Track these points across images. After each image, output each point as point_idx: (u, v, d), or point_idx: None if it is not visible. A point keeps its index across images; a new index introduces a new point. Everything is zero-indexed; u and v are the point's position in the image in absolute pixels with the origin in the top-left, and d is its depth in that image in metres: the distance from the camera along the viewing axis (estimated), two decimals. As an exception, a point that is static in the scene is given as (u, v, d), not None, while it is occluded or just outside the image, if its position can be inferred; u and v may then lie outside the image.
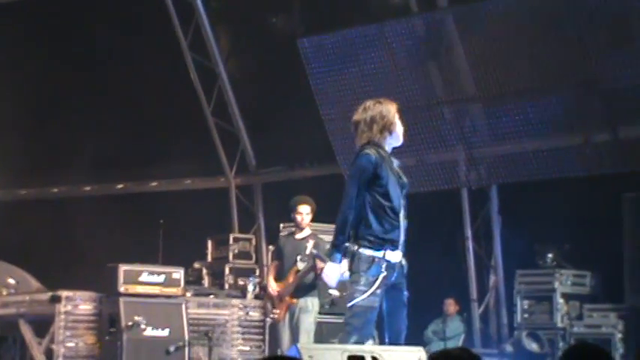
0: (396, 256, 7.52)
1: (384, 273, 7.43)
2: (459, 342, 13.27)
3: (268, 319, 12.24)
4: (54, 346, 11.17)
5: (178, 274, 11.76)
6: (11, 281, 12.03)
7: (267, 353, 12.27)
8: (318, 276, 10.64)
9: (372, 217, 7.45)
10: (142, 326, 11.01)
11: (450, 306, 13.62)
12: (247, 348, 12.44)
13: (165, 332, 11.29)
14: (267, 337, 12.36)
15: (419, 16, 13.23)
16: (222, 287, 13.29)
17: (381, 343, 8.25)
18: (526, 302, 12.51)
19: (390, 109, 7.58)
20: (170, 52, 15.35)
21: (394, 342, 7.66)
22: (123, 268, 11.29)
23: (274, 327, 11.65)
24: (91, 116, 15.07)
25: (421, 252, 13.37)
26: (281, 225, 12.63)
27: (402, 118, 7.67)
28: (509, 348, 12.43)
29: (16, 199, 15.99)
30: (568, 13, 12.00)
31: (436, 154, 13.46)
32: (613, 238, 12.09)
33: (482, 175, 13.42)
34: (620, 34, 11.92)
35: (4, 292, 11.95)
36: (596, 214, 12.18)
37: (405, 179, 7.62)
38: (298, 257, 10.69)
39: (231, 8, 14.84)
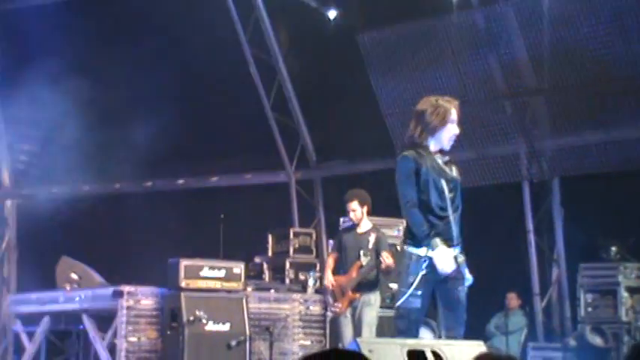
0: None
1: (424, 271, 7.36)
2: (521, 336, 13.18)
3: (329, 313, 12.24)
4: (117, 341, 11.25)
5: (239, 268, 11.79)
6: (74, 276, 12.14)
7: (328, 347, 12.26)
8: (381, 271, 10.65)
9: None
10: (204, 321, 11.05)
11: (512, 300, 13.53)
12: (308, 342, 12.45)
13: (227, 327, 11.32)
14: (328, 331, 12.35)
15: (479, 9, 13.14)
16: (282, 282, 13.30)
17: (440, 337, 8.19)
18: (590, 296, 12.39)
19: (441, 112, 7.45)
20: (230, 47, 15.39)
21: (448, 337, 7.60)
22: (184, 262, 11.34)
23: (335, 321, 11.64)
24: (153, 112, 15.13)
25: (483, 246, 13.34)
26: (341, 219, 12.60)
27: (459, 119, 7.53)
28: (572, 342, 12.30)
29: (79, 195, 16.13)
30: (629, 5, 11.85)
31: (497, 148, 13.39)
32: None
33: (543, 168, 13.32)
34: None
35: (68, 287, 12.07)
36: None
37: (454, 174, 7.51)
38: (361, 252, 10.66)
39: (290, 2, 14.83)
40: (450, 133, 7.46)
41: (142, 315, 11.38)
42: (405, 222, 11.84)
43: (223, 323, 11.28)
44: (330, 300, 10.95)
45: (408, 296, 7.36)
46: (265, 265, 13.68)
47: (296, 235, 13.89)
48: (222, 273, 11.59)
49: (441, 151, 7.51)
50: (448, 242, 7.43)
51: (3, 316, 15.22)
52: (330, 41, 14.37)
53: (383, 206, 11.06)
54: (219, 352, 11.11)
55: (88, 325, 11.61)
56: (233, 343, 11.26)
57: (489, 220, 13.31)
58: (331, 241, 12.65)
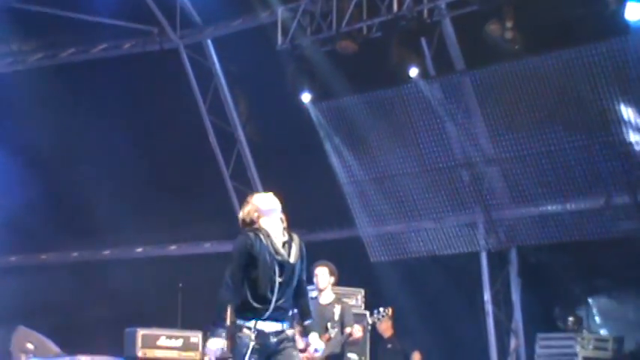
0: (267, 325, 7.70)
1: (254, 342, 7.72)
2: (480, 407, 13.16)
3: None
4: (72, 412, 11.13)
5: (197, 337, 11.73)
6: (30, 346, 12.02)
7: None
8: (349, 343, 10.65)
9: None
10: (161, 391, 10.97)
11: (471, 370, 13.53)
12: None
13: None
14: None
15: (436, 79, 13.27)
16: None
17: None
18: (547, 366, 12.39)
19: (248, 209, 7.95)
20: (190, 116, 15.43)
21: None
22: (141, 332, 11.28)
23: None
24: (113, 178, 15.13)
25: (441, 315, 13.36)
26: (300, 289, 12.57)
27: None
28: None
29: (37, 263, 16.02)
30: (583, 75, 12.01)
31: (455, 217, 13.44)
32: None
33: (501, 238, 13.37)
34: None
35: (23, 358, 11.94)
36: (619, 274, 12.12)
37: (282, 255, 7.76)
38: (328, 324, 10.62)
39: (250, 72, 14.92)
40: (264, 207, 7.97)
41: (98, 385, 11.28)
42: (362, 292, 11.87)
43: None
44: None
45: None
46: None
47: (255, 304, 13.82)
48: (179, 342, 11.53)
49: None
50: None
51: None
52: (289, 110, 14.44)
53: (341, 276, 11.06)
54: None
55: (44, 395, 11.50)
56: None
57: (447, 290, 13.36)
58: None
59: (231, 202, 15.67)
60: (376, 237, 13.99)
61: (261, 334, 7.66)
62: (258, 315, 7.64)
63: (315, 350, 8.06)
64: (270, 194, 8.00)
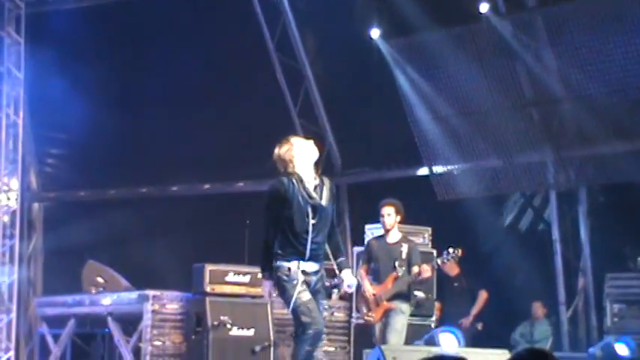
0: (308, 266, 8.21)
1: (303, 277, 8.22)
2: (546, 345, 13.14)
3: (354, 320, 12.23)
4: (142, 345, 11.29)
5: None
6: (100, 280, 12.19)
7: (352, 354, 12.26)
8: (416, 282, 10.68)
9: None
10: (228, 326, 11.07)
11: (538, 309, 13.48)
12: (332, 349, 12.44)
13: (251, 332, 11.34)
14: (352, 337, 12.34)
15: (507, 17, 13.10)
16: (307, 288, 13.28)
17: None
18: (616, 306, 12.31)
19: (287, 149, 8.41)
20: (257, 53, 15.40)
21: None
22: (209, 267, 11.37)
23: (361, 328, 11.64)
24: (180, 116, 15.19)
25: (509, 255, 13.32)
26: (366, 226, 12.59)
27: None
28: (598, 352, 12.23)
29: (106, 199, 16.19)
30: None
31: (524, 156, 13.33)
32: None
33: (570, 178, 13.25)
34: None
35: (94, 291, 12.12)
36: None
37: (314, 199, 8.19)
38: (396, 263, 10.65)
39: (318, 9, 14.83)
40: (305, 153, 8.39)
41: (167, 319, 11.41)
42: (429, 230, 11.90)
43: (248, 329, 11.30)
44: (364, 309, 10.90)
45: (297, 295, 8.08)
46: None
47: (322, 241, 13.87)
48: (247, 278, 11.60)
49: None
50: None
51: (29, 319, 15.30)
52: (358, 47, 14.36)
53: (408, 214, 11.05)
54: (244, 357, 11.12)
55: (113, 328, 11.66)
56: (257, 348, 11.27)
57: (516, 229, 13.29)
58: (356, 249, 12.64)
59: (299, 140, 15.66)
60: (444, 175, 13.92)
61: (304, 274, 8.15)
62: (299, 256, 8.11)
63: (349, 286, 8.57)
64: (311, 142, 8.40)
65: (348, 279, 8.49)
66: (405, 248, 10.69)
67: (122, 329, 11.66)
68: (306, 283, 8.17)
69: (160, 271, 13.86)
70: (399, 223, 10.89)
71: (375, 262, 10.83)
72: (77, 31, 15.07)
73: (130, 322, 11.64)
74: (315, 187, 8.22)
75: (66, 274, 13.95)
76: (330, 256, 8.50)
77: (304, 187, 8.15)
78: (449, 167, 13.90)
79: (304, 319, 8.07)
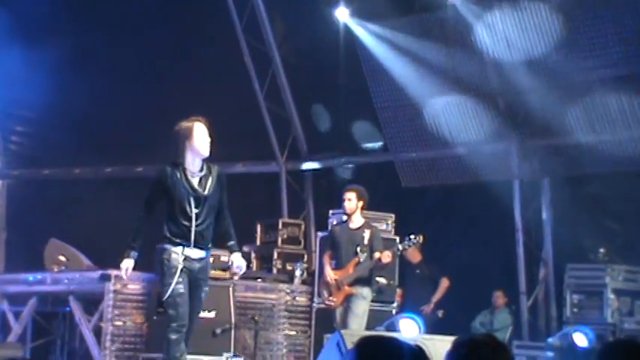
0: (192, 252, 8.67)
1: (182, 265, 8.65)
2: (506, 334, 13.22)
3: (315, 305, 12.26)
4: (103, 324, 11.26)
5: (226, 256, 11.78)
6: (62, 258, 12.14)
7: (313, 338, 12.29)
8: (377, 268, 10.72)
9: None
10: (190, 307, 11.05)
11: (499, 298, 13.57)
12: (293, 332, 12.48)
13: (212, 314, 11.35)
14: (313, 322, 12.38)
15: (474, 4, 13.11)
16: (270, 271, 13.31)
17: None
18: (576, 297, 12.40)
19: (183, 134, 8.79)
20: (225, 35, 15.35)
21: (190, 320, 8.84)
22: (172, 249, 11.32)
23: (322, 313, 11.68)
24: (145, 95, 15.11)
25: (471, 242, 13.38)
26: (330, 211, 12.63)
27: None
28: (557, 342, 12.33)
29: (70, 178, 16.12)
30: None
31: (489, 145, 13.38)
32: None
33: (534, 168, 13.32)
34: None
35: (56, 269, 12.07)
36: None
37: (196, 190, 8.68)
38: (358, 248, 10.70)
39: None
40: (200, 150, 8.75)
41: (129, 299, 11.40)
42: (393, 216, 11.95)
43: (209, 311, 11.29)
44: (325, 294, 10.95)
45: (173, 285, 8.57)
46: (253, 255, 13.69)
47: (285, 225, 13.91)
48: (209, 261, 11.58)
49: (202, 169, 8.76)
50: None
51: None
52: (326, 32, 14.35)
53: (372, 200, 11.08)
54: (205, 339, 11.11)
55: (75, 307, 11.63)
56: (218, 330, 11.29)
57: (478, 217, 13.35)
58: (320, 233, 12.67)
59: (264, 123, 15.66)
60: (409, 162, 13.95)
61: (187, 260, 8.60)
62: (185, 242, 8.58)
63: (238, 267, 8.95)
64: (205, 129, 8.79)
65: (237, 261, 8.90)
66: (367, 234, 10.75)
67: (83, 308, 11.62)
68: (188, 269, 8.61)
69: (122, 251, 13.79)
70: (362, 209, 10.93)
71: (337, 247, 10.87)
72: (40, 4, 14.92)
73: (91, 302, 11.61)
74: (201, 179, 8.67)
75: (28, 252, 13.88)
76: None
77: (186, 178, 8.62)
78: (413, 154, 13.94)
79: (171, 311, 8.61)
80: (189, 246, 8.59)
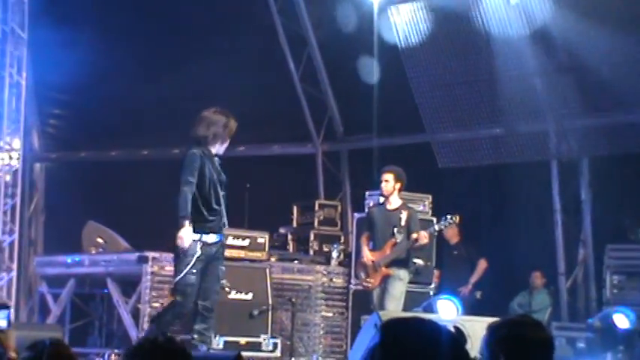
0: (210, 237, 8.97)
1: (198, 253, 8.90)
2: (545, 315, 13.15)
3: (352, 286, 12.25)
4: (140, 306, 11.30)
5: (263, 238, 11.81)
6: (100, 240, 12.20)
7: (350, 319, 12.29)
8: (414, 249, 10.68)
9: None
10: (227, 289, 11.07)
11: (537, 279, 13.49)
12: (330, 314, 12.48)
13: (249, 296, 11.36)
14: (350, 303, 12.37)
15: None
16: (306, 253, 13.32)
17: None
18: (616, 277, 12.32)
19: (231, 129, 9.36)
20: (260, 17, 15.33)
21: (203, 306, 9.12)
22: (209, 231, 11.34)
23: (359, 294, 11.66)
24: (184, 78, 15.12)
25: (509, 223, 13.31)
26: (367, 193, 12.59)
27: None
28: (597, 323, 12.24)
29: (107, 160, 16.18)
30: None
31: (527, 125, 13.29)
32: None
33: (572, 148, 13.22)
34: None
35: (93, 251, 12.13)
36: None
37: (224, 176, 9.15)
38: (395, 229, 10.67)
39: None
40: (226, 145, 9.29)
41: (166, 281, 11.40)
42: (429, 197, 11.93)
43: (246, 292, 11.32)
44: (362, 275, 10.93)
45: (185, 274, 8.80)
46: (290, 236, 13.69)
47: (321, 207, 13.90)
48: (246, 242, 11.62)
49: (216, 156, 9.21)
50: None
51: (29, 278, 15.32)
52: (362, 13, 14.29)
53: (409, 181, 11.03)
54: (242, 320, 11.15)
55: (112, 289, 11.68)
56: (255, 312, 11.30)
57: (517, 198, 13.27)
58: (356, 215, 12.64)
59: (300, 105, 15.64)
60: (445, 143, 13.89)
61: (206, 245, 8.91)
62: (206, 229, 8.91)
63: None
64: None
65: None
66: (404, 215, 10.71)
67: (121, 290, 11.67)
68: (205, 255, 8.87)
69: (159, 232, 13.83)
70: (400, 190, 10.88)
71: (374, 229, 10.84)
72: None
73: (128, 284, 11.65)
74: (220, 164, 9.19)
75: (66, 234, 13.95)
76: None
77: (214, 163, 9.10)
78: (450, 135, 13.87)
79: (179, 298, 8.86)
80: (206, 232, 8.90)
